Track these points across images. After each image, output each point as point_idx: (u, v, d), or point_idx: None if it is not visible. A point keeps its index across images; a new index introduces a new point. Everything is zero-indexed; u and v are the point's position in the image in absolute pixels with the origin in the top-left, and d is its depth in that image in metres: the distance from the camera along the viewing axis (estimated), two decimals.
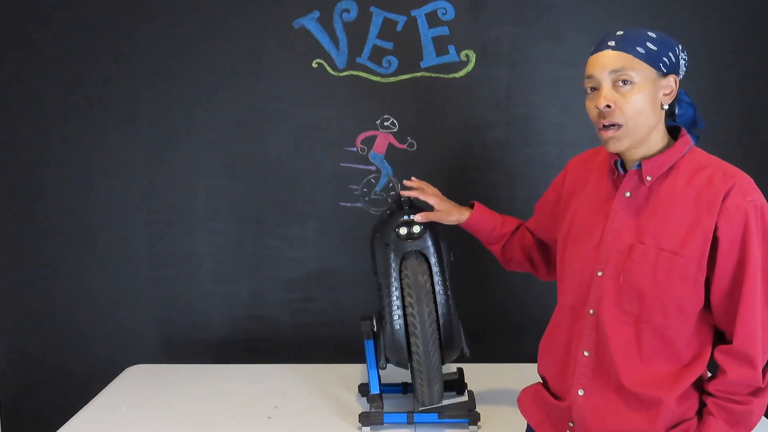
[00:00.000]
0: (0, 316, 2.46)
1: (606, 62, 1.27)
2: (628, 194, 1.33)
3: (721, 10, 2.26)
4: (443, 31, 2.29)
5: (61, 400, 2.41)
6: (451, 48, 2.30)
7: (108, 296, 2.45)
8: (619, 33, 1.29)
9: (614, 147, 1.30)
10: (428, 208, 1.73)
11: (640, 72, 1.26)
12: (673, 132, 1.36)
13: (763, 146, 2.31)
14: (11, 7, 2.32)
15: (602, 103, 1.27)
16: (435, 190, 1.75)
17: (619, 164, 1.35)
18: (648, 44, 1.26)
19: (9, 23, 2.32)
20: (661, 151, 1.32)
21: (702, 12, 2.26)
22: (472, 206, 1.72)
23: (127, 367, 2.28)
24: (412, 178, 1.76)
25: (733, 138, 2.28)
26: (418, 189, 1.73)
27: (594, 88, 1.30)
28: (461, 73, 2.31)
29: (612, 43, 1.28)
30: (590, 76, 1.30)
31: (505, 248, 1.72)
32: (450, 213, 1.70)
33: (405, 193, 1.74)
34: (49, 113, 2.36)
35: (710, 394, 1.29)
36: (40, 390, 2.49)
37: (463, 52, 2.30)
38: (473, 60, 2.30)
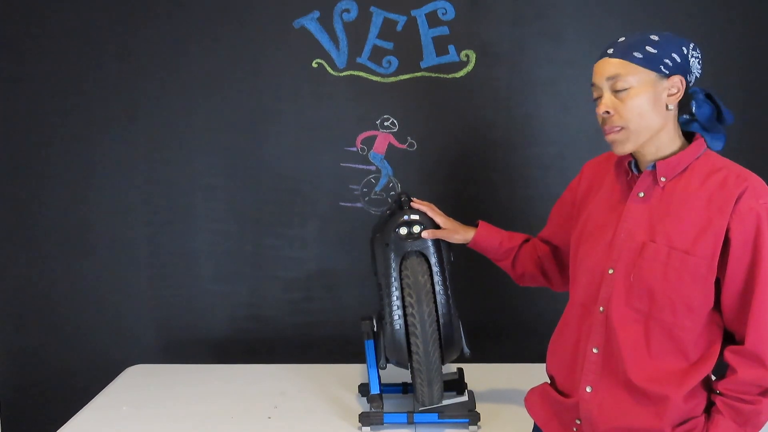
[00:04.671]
0: (0, 316, 2.46)
1: (603, 70, 1.31)
2: (641, 194, 1.35)
3: (722, 10, 2.25)
4: (443, 31, 2.29)
5: (61, 400, 2.41)
6: (451, 48, 2.30)
7: (108, 296, 2.45)
8: (621, 40, 1.32)
9: (619, 149, 1.32)
10: (435, 225, 1.77)
11: (637, 76, 1.28)
12: (689, 136, 1.37)
13: (764, 147, 2.31)
14: (11, 6, 2.32)
15: (602, 110, 1.31)
16: (440, 211, 1.80)
17: (632, 165, 1.37)
18: (647, 48, 1.28)
19: (9, 23, 2.32)
20: (675, 153, 1.33)
21: (702, 11, 2.26)
22: (477, 226, 1.75)
23: (127, 367, 2.28)
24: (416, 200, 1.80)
25: (733, 139, 2.28)
26: (427, 206, 1.78)
27: (599, 96, 1.33)
28: (461, 73, 2.31)
29: (610, 51, 1.31)
30: (593, 85, 1.34)
31: (515, 263, 1.73)
32: (456, 231, 1.74)
33: (415, 205, 1.77)
34: (48, 113, 2.36)
35: (719, 393, 1.29)
36: (40, 390, 2.49)
37: (463, 52, 2.30)
38: (473, 60, 2.30)
